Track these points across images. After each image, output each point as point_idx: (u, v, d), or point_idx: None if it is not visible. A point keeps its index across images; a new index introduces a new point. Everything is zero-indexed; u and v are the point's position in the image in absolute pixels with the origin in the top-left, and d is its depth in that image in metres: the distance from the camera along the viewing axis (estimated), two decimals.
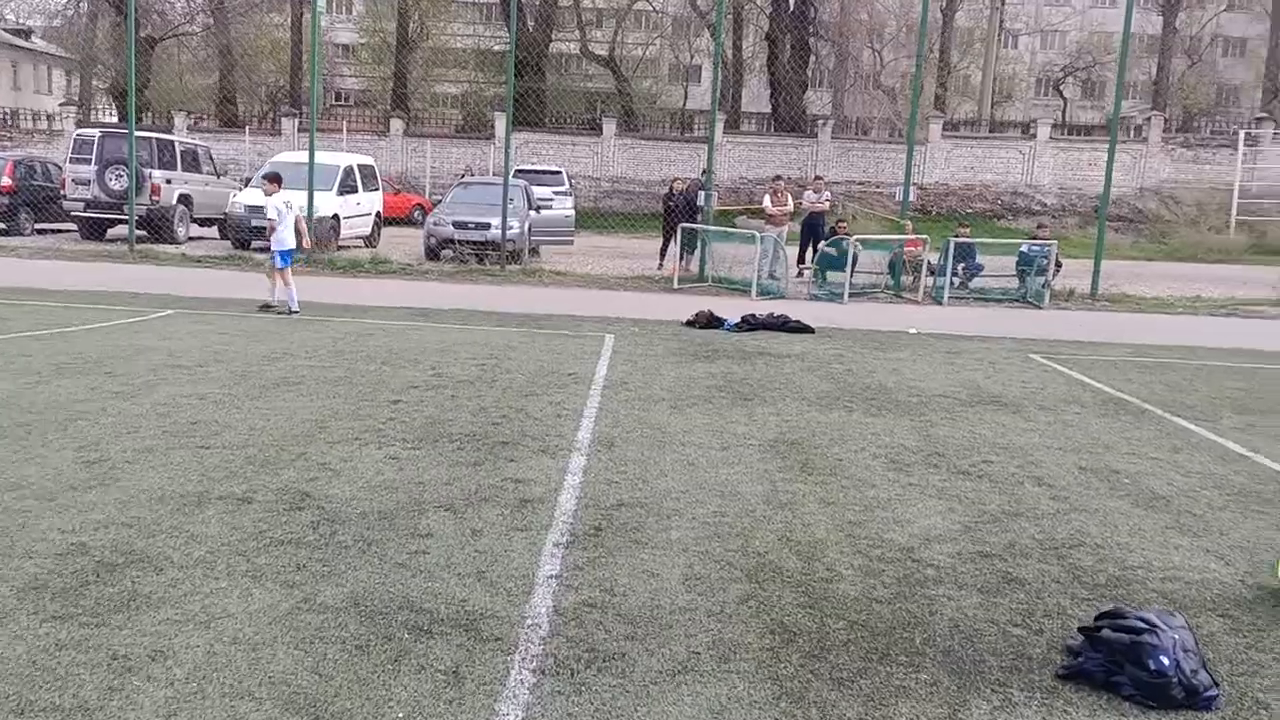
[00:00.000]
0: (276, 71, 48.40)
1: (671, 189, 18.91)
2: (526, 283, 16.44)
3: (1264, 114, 38.75)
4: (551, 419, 6.91)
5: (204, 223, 20.50)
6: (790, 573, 4.25)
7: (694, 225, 17.08)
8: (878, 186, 34.86)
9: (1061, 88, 58.40)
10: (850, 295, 15.84)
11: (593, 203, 33.81)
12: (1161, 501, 5.66)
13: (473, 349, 9.66)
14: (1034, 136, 36.30)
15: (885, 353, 10.69)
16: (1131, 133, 37.57)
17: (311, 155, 17.07)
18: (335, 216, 19.05)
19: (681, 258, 17.36)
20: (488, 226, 17.97)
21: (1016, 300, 16.82)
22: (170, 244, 18.86)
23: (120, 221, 18.45)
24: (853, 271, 16.02)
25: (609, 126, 34.88)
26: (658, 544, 4.50)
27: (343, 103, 61.69)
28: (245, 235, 18.43)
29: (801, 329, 11.89)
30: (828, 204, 19.42)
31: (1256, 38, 56.86)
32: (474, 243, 18.11)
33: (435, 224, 18.67)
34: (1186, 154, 36.10)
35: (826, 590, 4.09)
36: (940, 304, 16.03)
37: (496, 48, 45.07)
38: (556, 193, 28.79)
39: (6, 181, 18.68)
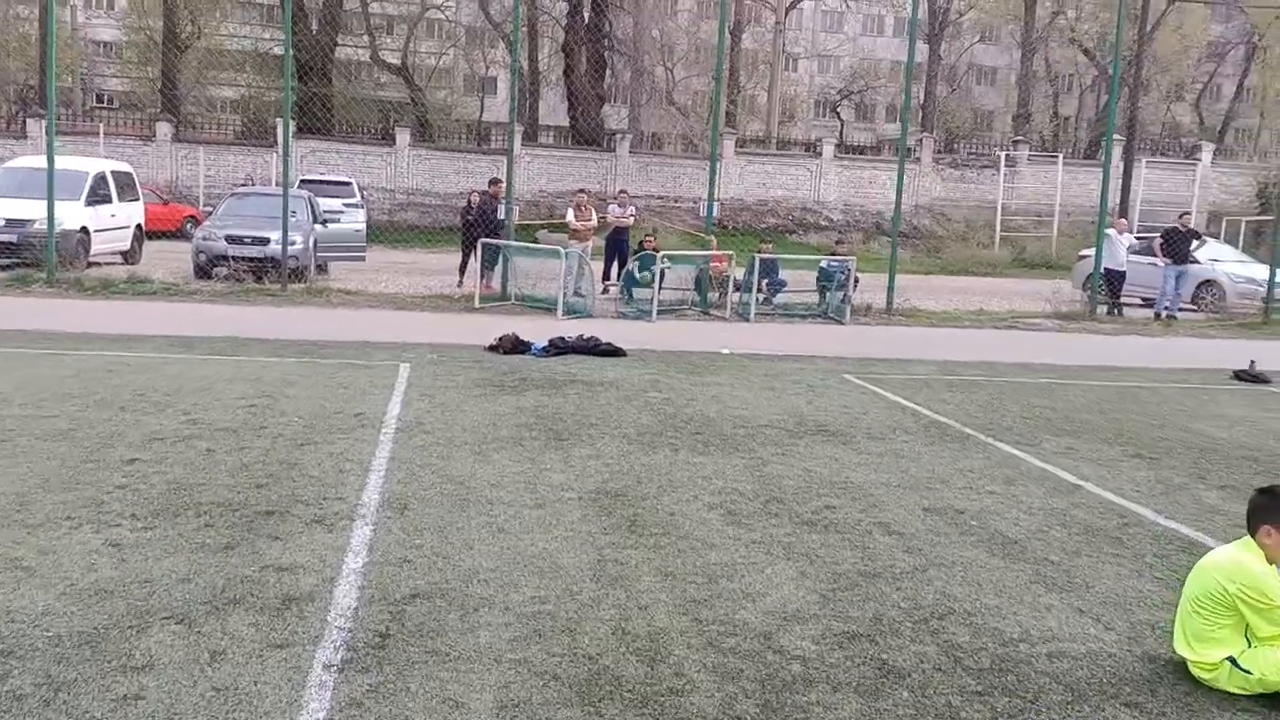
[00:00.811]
0: (26, 69, 43.87)
1: (470, 202, 17.87)
2: (311, 303, 14.97)
3: (1019, 138, 41.61)
4: (331, 476, 5.82)
5: None
6: (631, 683, 3.42)
7: (494, 240, 16.10)
8: (676, 201, 34.92)
9: (839, 109, 61.13)
10: (658, 313, 15.29)
11: (387, 216, 32.15)
12: (1015, 547, 5.21)
13: (241, 386, 8.35)
14: (820, 155, 37.38)
15: (702, 377, 10.10)
16: (907, 154, 39.38)
17: (50, 160, 14.95)
18: (84, 229, 16.87)
19: (482, 275, 16.34)
20: (266, 241, 16.35)
21: (819, 316, 16.78)
22: None
23: None
24: (660, 289, 15.49)
25: (403, 136, 33.30)
26: (462, 653, 3.56)
27: (106, 105, 56.71)
28: None
29: (613, 352, 11.16)
30: (632, 219, 18.89)
31: (1006, 67, 61.56)
32: (250, 259, 16.43)
33: (205, 238, 16.83)
34: (954, 174, 38.10)
35: (679, 708, 3.28)
36: (748, 320, 15.74)
37: (276, 50, 42.37)
38: (346, 204, 27.01)
39: None
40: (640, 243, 17.57)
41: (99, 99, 58.68)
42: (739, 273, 16.91)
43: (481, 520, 5.15)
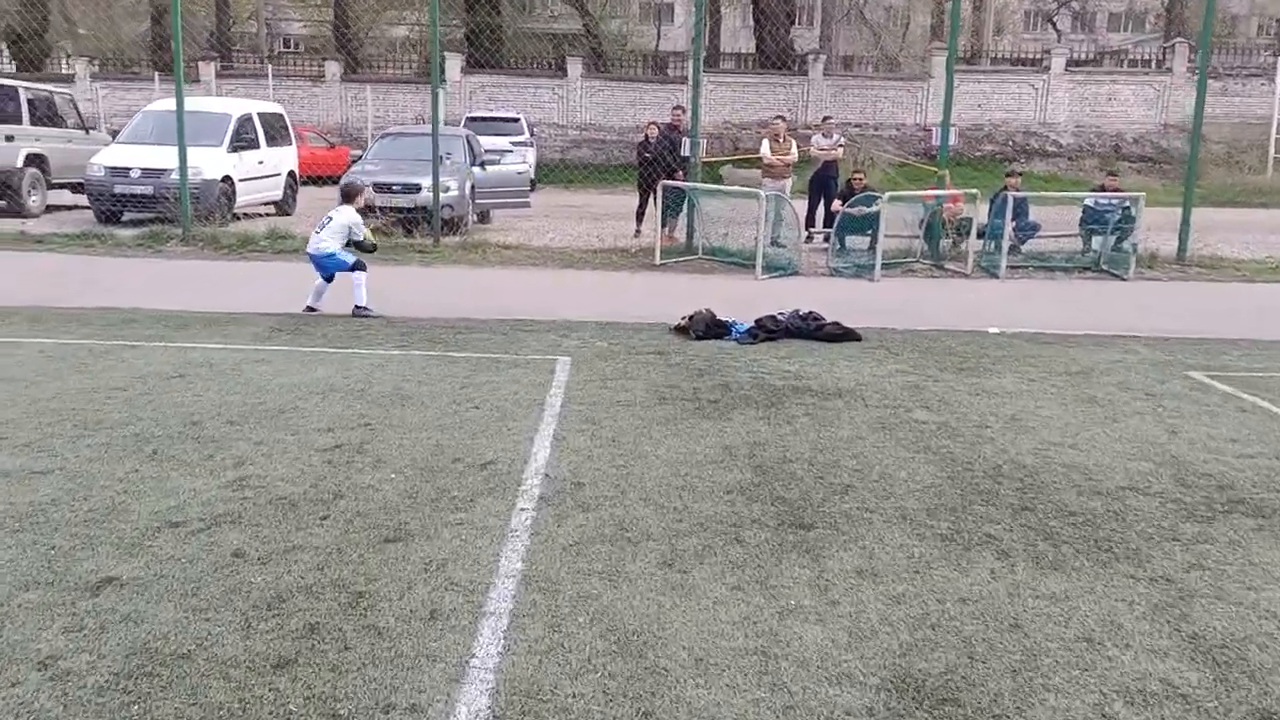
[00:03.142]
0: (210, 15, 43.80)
1: (647, 136, 15.13)
2: (465, 262, 12.68)
3: None
4: (420, 626, 3.29)
5: (77, 188, 16.44)
6: None
7: (676, 183, 13.32)
8: (876, 129, 31.08)
9: (1054, 20, 54.55)
10: (881, 267, 12.19)
11: (559, 154, 29.89)
12: None
13: (337, 405, 5.97)
14: (1047, 69, 32.48)
15: (980, 379, 7.07)
16: (1153, 64, 33.86)
17: (180, 102, 13.12)
18: (227, 179, 15.15)
19: (664, 224, 13.64)
20: (416, 189, 14.17)
21: (1087, 268, 13.25)
22: (19, 216, 14.95)
23: None
24: (881, 237, 12.36)
25: (574, 67, 30.77)
26: None
27: (292, 49, 56.85)
28: (110, 205, 14.50)
29: (843, 335, 8.25)
30: (841, 150, 15.68)
31: None
32: (399, 209, 14.30)
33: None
34: (1214, 85, 32.34)
35: None
36: (996, 277, 12.42)
37: None
38: (515, 143, 24.80)
39: None
40: (848, 181, 14.43)
41: (286, 44, 59.04)
42: (961, 214, 13.58)
43: None
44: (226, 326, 8.16)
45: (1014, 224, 13.17)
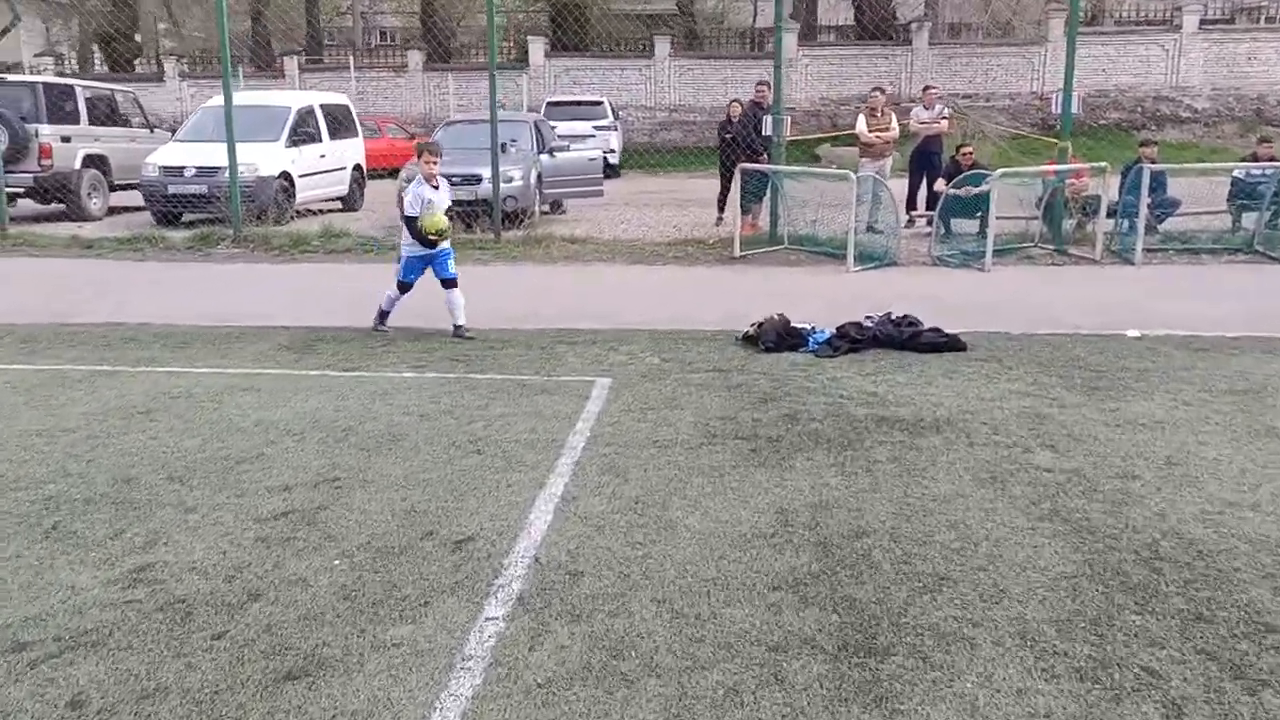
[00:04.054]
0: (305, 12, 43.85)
1: (729, 115, 13.82)
2: (526, 258, 11.62)
3: None
4: None
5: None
6: None
7: (757, 165, 11.97)
8: (987, 100, 28.92)
9: None
10: (993, 255, 10.65)
11: (647, 136, 28.68)
12: None
13: (310, 448, 4.91)
14: (1178, 29, 29.72)
15: (1120, 403, 5.62)
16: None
17: (227, 97, 12.38)
18: (284, 175, 14.42)
19: (745, 210, 12.33)
20: (477, 179, 13.12)
21: (1238, 249, 11.42)
22: (80, 219, 14.51)
23: (17, 195, 14.18)
24: (993, 219, 10.79)
25: (662, 46, 29.45)
26: None
27: (388, 42, 57.00)
28: (165, 206, 13.91)
29: (944, 344, 6.86)
30: (945, 123, 14.06)
31: None
32: (459, 202, 13.25)
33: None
34: None
35: None
36: (1131, 263, 10.75)
37: None
38: (598, 127, 23.80)
39: None
40: (953, 157, 12.84)
41: (381, 36, 59.27)
42: (1086, 190, 11.88)
43: None
44: (232, 343, 7.24)
45: (1150, 200, 11.42)
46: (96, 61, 32.83)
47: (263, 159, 13.92)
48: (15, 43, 38.11)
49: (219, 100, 15.82)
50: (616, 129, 24.54)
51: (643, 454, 4.82)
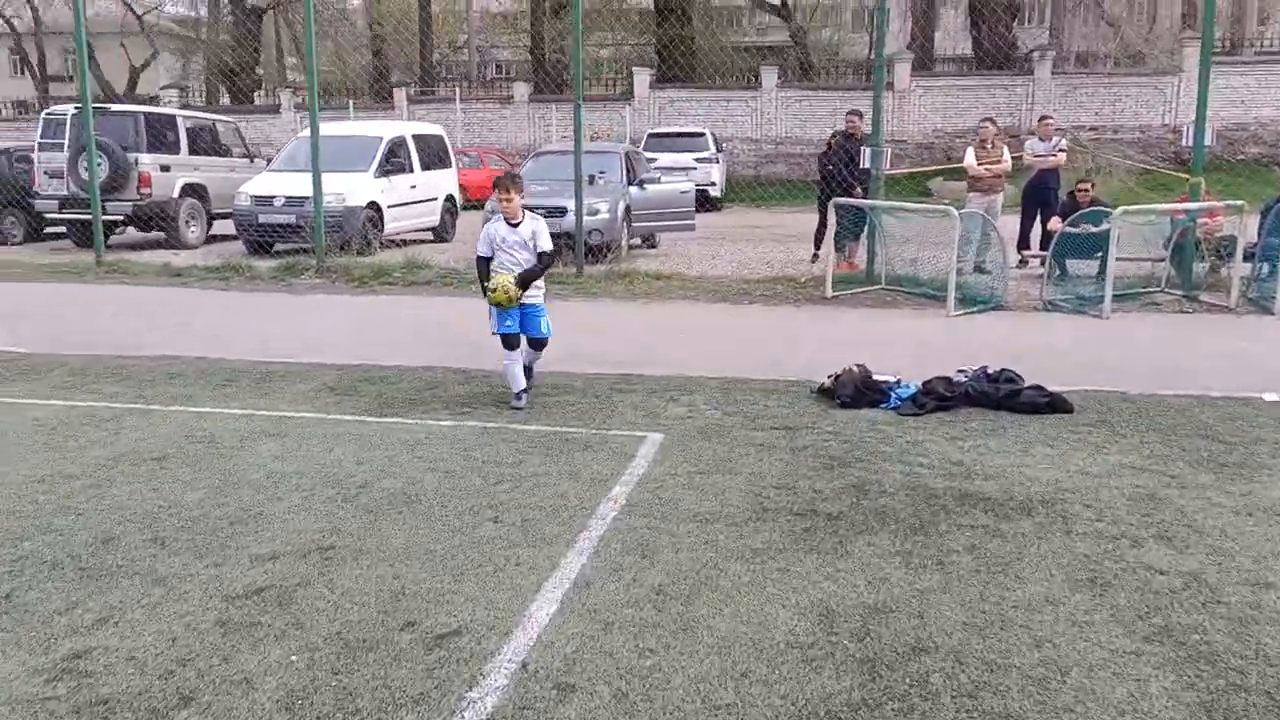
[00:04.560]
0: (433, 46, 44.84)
1: (829, 145, 13.14)
2: (606, 294, 11.16)
3: None
4: None
5: None
6: None
7: (851, 200, 11.25)
8: (1115, 132, 27.41)
9: None
10: (1113, 300, 9.68)
11: (753, 170, 28.09)
12: None
13: (315, 508, 4.46)
14: None
15: (1254, 484, 4.75)
16: None
17: (314, 127, 12.32)
18: (373, 205, 14.34)
19: (839, 247, 11.64)
20: (562, 211, 12.74)
21: None
22: (178, 247, 14.71)
23: (120, 223, 14.47)
24: (1113, 261, 9.82)
25: (769, 76, 28.86)
26: None
27: (503, 75, 58.07)
28: (256, 235, 13.97)
29: (1047, 405, 6.04)
30: (1062, 156, 13.07)
31: None
32: None
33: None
34: None
35: None
36: (1270, 312, 9.64)
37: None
38: (699, 159, 23.35)
39: None
40: (1071, 193, 11.88)
41: (497, 69, 60.41)
42: (1221, 230, 10.76)
43: None
44: (276, 382, 6.91)
45: None
46: (221, 94, 34.03)
47: (351, 189, 13.88)
48: (155, 75, 40.10)
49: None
50: (718, 161, 24.04)
51: (679, 529, 4.21)
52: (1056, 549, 4.00)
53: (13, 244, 15.20)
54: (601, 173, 13.84)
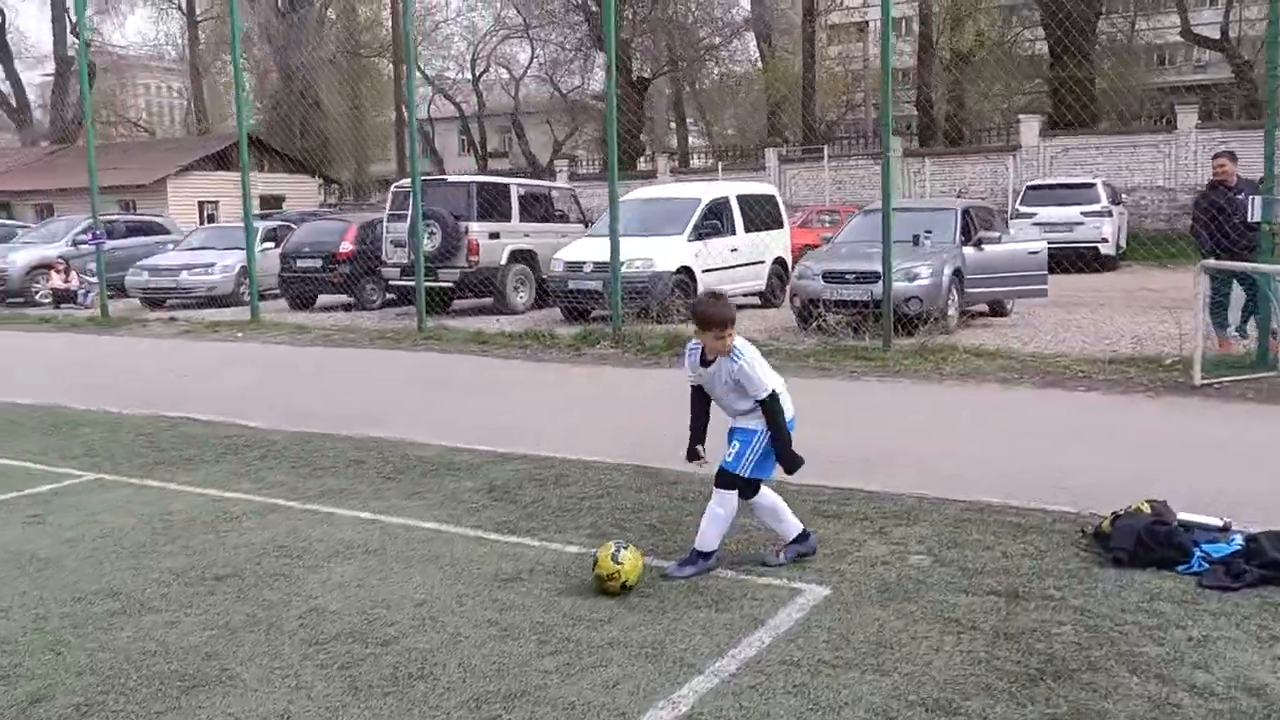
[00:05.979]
0: (833, 103, 44.55)
1: (1212, 185, 10.43)
2: (909, 373, 9.52)
3: None
4: None
5: None
6: None
7: (1227, 264, 8.67)
8: None
9: None
10: None
11: (1165, 223, 24.22)
12: None
13: (319, 658, 3.60)
14: None
15: None
16: None
17: (612, 187, 11.91)
18: (685, 270, 13.69)
19: (1221, 324, 9.06)
20: (873, 278, 11.22)
21: None
22: (505, 313, 15.07)
23: (451, 292, 15.14)
24: None
25: (1186, 118, 24.82)
26: None
27: (907, 130, 56.40)
28: (568, 302, 13.87)
29: None
30: None
31: None
32: (853, 304, 11.50)
33: (801, 276, 12.36)
34: None
35: None
36: None
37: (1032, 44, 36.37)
38: (1086, 213, 20.45)
39: (348, 247, 16.31)
40: None
41: (906, 126, 58.89)
42: None
43: None
44: (440, 477, 6.19)
45: None
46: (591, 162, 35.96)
47: (661, 253, 13.36)
48: (549, 142, 43.56)
49: (640, 193, 15.75)
50: (1110, 214, 20.84)
51: None
52: None
53: (370, 308, 16.44)
54: (928, 232, 12.15)
